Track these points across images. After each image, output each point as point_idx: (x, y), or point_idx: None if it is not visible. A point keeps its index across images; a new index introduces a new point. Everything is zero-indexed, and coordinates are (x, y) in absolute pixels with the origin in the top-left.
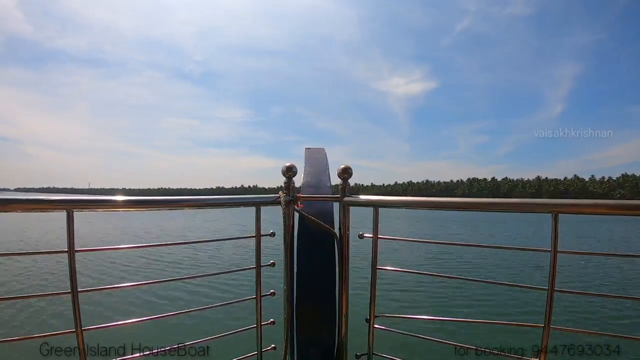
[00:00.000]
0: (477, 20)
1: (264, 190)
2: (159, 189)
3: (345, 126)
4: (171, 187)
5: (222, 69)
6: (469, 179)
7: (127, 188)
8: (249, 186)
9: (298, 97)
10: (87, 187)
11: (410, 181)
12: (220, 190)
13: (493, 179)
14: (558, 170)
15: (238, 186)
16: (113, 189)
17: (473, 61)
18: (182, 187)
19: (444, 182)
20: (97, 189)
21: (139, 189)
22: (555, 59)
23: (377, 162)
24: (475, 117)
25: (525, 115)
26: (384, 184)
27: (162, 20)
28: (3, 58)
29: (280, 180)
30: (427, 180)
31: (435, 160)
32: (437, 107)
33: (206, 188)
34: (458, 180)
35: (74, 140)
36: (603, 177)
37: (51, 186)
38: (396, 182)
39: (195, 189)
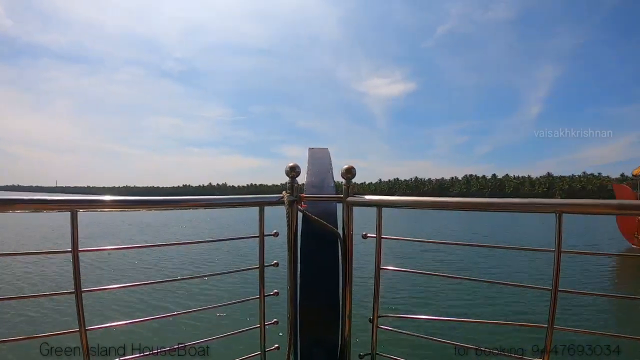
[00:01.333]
0: (459, 23)
1: (233, 189)
2: (124, 186)
3: (328, 125)
4: (137, 185)
5: (205, 67)
6: (465, 176)
7: (91, 186)
8: (217, 184)
9: (281, 96)
10: (54, 185)
11: (397, 179)
12: (187, 189)
13: (494, 175)
14: (538, 170)
15: (205, 184)
16: (77, 187)
17: (454, 63)
18: (149, 186)
19: (436, 180)
20: (64, 187)
21: (104, 187)
22: (535, 62)
23: (359, 161)
24: (455, 118)
25: (506, 116)
26: (365, 182)
27: (145, 17)
28: None
29: (249, 180)
30: (416, 178)
31: (416, 160)
32: (417, 108)
33: (172, 186)
34: (452, 178)
35: (54, 138)
36: (622, 175)
37: (15, 184)
38: (380, 180)
39: (160, 187)
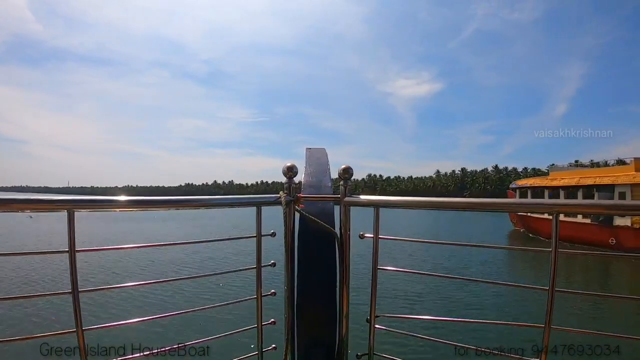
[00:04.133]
0: (485, 23)
1: (239, 187)
2: (124, 186)
3: (352, 126)
4: (139, 185)
5: (229, 68)
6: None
7: (94, 186)
8: (223, 182)
9: (305, 96)
10: (66, 185)
11: (464, 169)
12: (190, 188)
13: (620, 161)
14: None
15: (210, 183)
16: (84, 187)
17: (480, 63)
18: (150, 185)
19: (531, 169)
20: (70, 187)
21: (106, 187)
22: (561, 60)
23: (383, 162)
24: (480, 118)
25: (531, 115)
26: (423, 176)
27: (171, 19)
28: (9, 57)
29: (257, 178)
30: (496, 166)
31: (440, 161)
32: (443, 108)
33: (175, 186)
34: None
35: (77, 140)
36: None
37: (24, 185)
38: (453, 172)
39: (164, 187)
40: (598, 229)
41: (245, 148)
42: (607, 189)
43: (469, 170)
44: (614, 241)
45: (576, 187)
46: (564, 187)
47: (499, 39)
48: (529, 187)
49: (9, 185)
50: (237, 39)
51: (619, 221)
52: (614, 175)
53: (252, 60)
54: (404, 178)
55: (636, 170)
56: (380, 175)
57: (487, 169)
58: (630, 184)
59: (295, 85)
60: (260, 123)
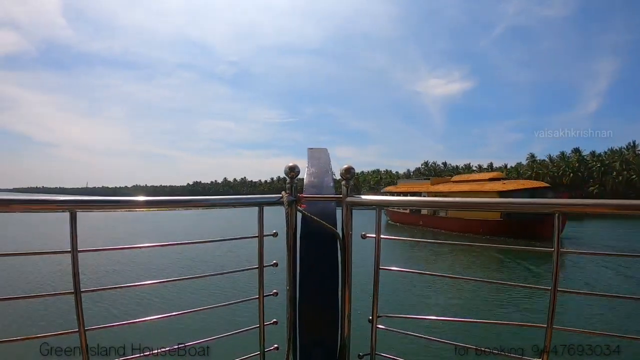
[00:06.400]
0: (517, 19)
1: (251, 185)
2: (133, 186)
3: (379, 126)
4: (147, 185)
5: (256, 69)
6: None
7: (105, 186)
8: (234, 179)
9: (331, 96)
10: (84, 186)
11: (565, 152)
12: (198, 186)
13: None
14: None
15: (220, 180)
16: (95, 187)
17: (511, 59)
18: (158, 185)
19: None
20: (90, 187)
21: (115, 187)
22: (593, 57)
23: (411, 162)
24: (510, 115)
25: (560, 112)
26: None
27: (195, 21)
28: (41, 63)
29: (265, 175)
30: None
31: (467, 159)
32: (472, 106)
33: (182, 185)
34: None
35: (104, 143)
36: None
37: (39, 186)
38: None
39: (170, 186)
40: (413, 216)
41: (271, 149)
42: (418, 195)
43: (553, 156)
44: (422, 222)
45: (405, 193)
46: (400, 193)
47: (529, 36)
48: (387, 192)
49: (25, 186)
50: (263, 39)
51: (423, 211)
52: (421, 187)
53: (279, 60)
54: (469, 165)
55: (431, 185)
56: (444, 163)
57: (623, 150)
58: (427, 192)
59: (322, 85)
60: (287, 124)
